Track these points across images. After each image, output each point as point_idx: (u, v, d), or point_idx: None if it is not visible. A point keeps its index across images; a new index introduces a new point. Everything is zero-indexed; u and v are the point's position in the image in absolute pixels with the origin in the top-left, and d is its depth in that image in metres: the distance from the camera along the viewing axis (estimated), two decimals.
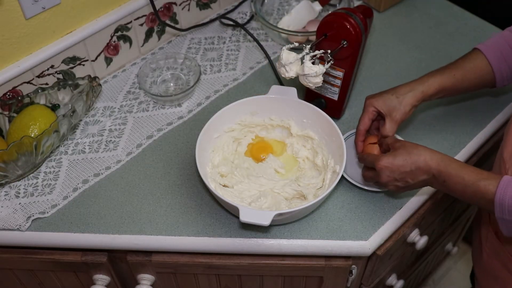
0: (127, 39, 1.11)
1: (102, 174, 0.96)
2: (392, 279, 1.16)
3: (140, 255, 0.91)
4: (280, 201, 0.88)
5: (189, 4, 1.18)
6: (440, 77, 0.90)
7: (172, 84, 1.11)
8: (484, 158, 1.09)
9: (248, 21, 1.23)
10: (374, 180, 0.86)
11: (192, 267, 0.91)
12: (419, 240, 0.99)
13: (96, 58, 1.08)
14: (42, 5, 0.94)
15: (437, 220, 1.13)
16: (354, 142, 0.94)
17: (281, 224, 0.88)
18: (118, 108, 1.07)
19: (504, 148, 0.84)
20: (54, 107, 1.00)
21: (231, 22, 1.21)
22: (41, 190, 0.94)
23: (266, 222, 0.77)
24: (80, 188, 0.94)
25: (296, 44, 0.95)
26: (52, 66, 1.01)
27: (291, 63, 0.88)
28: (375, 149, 0.90)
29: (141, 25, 1.12)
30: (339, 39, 0.89)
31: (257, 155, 0.96)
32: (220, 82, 1.11)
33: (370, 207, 0.91)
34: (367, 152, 0.90)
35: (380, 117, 0.92)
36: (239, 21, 1.23)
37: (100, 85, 1.01)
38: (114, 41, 1.09)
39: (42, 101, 1.00)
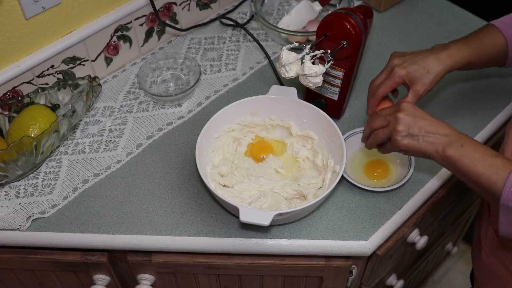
0: (127, 39, 1.11)
1: (102, 174, 0.96)
2: (392, 279, 1.16)
3: (140, 255, 0.91)
4: (280, 201, 0.88)
5: (189, 4, 1.18)
6: (467, 52, 0.88)
7: (172, 84, 1.11)
8: None
9: (248, 21, 1.23)
10: (386, 118, 0.79)
11: (192, 267, 0.91)
12: (419, 240, 1.00)
13: (96, 58, 1.08)
14: (42, 5, 0.94)
15: (437, 220, 1.13)
16: (367, 102, 0.91)
17: (281, 224, 0.89)
18: (118, 108, 1.07)
19: (505, 148, 0.83)
20: (54, 107, 1.00)
21: (231, 22, 1.21)
22: (41, 190, 0.94)
23: (266, 222, 0.77)
24: (80, 188, 0.94)
25: (296, 44, 0.95)
26: (52, 66, 1.01)
27: (291, 63, 0.88)
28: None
29: (141, 25, 1.12)
30: (339, 39, 0.89)
31: (257, 155, 0.96)
32: (220, 82, 1.11)
33: (370, 207, 0.91)
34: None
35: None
36: (239, 21, 1.23)
37: (100, 85, 1.01)
38: (114, 41, 1.09)
39: (42, 101, 1.00)
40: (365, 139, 0.86)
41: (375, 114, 0.84)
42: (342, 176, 0.92)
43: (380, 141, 0.82)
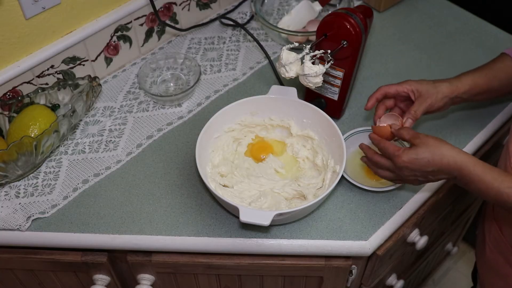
0: (127, 39, 1.11)
1: (102, 174, 0.96)
2: (392, 279, 1.16)
3: (140, 255, 0.91)
4: (280, 201, 0.88)
5: (189, 4, 1.18)
6: (472, 75, 0.90)
7: (172, 84, 1.11)
8: (484, 158, 1.09)
9: (248, 21, 1.23)
10: (391, 176, 0.84)
11: (192, 267, 0.91)
12: (419, 240, 0.99)
13: (96, 58, 1.08)
14: (42, 5, 0.94)
15: (437, 220, 1.13)
16: (368, 97, 0.93)
17: (281, 224, 0.88)
18: (118, 108, 1.07)
19: (510, 142, 0.83)
20: (54, 107, 1.00)
21: (231, 22, 1.21)
22: (41, 190, 0.94)
23: (266, 222, 0.77)
24: (80, 188, 0.94)
25: (296, 44, 0.95)
26: (52, 66, 1.01)
27: (291, 63, 0.88)
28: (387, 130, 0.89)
29: (141, 25, 1.12)
30: (339, 39, 0.89)
31: (257, 155, 0.96)
32: (220, 82, 1.11)
33: (370, 207, 0.91)
34: (380, 135, 0.89)
35: (409, 101, 0.92)
36: (239, 21, 1.23)
37: (100, 85, 1.01)
38: (114, 41, 1.09)
39: (42, 101, 1.00)
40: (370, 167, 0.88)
41: (378, 143, 0.84)
42: (342, 176, 0.92)
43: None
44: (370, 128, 0.98)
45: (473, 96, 0.91)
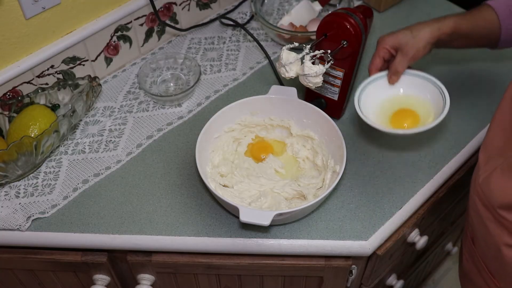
0: (127, 39, 1.11)
1: (102, 174, 0.96)
2: (392, 279, 1.16)
3: (140, 255, 0.91)
4: (280, 201, 0.88)
5: (189, 4, 1.18)
6: (455, 18, 0.89)
7: (172, 84, 1.11)
8: None
9: (248, 21, 1.23)
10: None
11: (192, 267, 0.91)
12: (419, 240, 1.00)
13: (96, 58, 1.08)
14: (42, 5, 0.94)
15: (437, 220, 1.13)
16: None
17: (281, 224, 0.89)
18: (118, 108, 1.07)
19: (480, 153, 0.81)
20: (54, 107, 1.00)
21: (231, 22, 1.21)
22: (41, 190, 0.94)
23: (266, 222, 0.77)
24: (80, 188, 0.94)
25: (296, 44, 0.95)
26: (52, 66, 1.01)
27: (291, 63, 0.88)
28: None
29: (141, 25, 1.12)
30: (339, 39, 0.89)
31: (257, 155, 0.96)
32: (220, 82, 1.11)
33: (370, 207, 0.91)
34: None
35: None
36: (239, 21, 1.23)
37: (100, 85, 1.01)
38: (114, 41, 1.09)
39: (42, 101, 1.00)
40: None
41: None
42: (362, 121, 0.87)
43: None
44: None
45: (454, 40, 0.90)
